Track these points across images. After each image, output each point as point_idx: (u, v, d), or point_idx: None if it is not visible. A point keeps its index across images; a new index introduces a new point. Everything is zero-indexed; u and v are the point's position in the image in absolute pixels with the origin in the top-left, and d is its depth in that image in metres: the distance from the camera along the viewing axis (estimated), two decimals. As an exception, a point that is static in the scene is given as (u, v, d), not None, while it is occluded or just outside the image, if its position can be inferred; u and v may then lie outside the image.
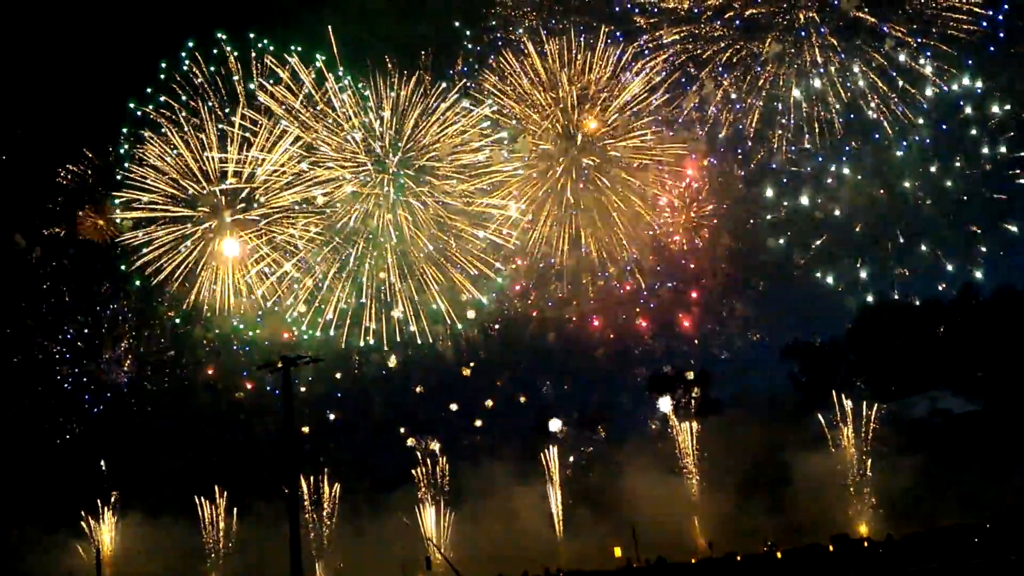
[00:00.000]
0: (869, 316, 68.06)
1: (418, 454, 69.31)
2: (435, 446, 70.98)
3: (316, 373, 66.96)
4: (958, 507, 59.46)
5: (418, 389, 70.52)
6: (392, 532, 67.99)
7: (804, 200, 63.36)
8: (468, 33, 65.14)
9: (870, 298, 67.40)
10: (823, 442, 64.45)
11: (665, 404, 70.91)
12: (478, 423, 73.46)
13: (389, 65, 61.74)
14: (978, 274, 64.79)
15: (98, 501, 67.44)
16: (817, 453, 64.05)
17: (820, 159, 60.12)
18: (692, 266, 67.24)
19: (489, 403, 71.91)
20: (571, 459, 70.93)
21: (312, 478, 68.46)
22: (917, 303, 67.20)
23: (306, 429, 69.13)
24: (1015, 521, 56.22)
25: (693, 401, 71.11)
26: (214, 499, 67.37)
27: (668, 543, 64.44)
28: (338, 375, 69.00)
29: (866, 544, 61.13)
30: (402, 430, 72.05)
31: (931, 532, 59.05)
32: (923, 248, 64.24)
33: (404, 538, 67.06)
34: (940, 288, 66.44)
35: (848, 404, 64.23)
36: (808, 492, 62.80)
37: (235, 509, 67.94)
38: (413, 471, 68.78)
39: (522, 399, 72.76)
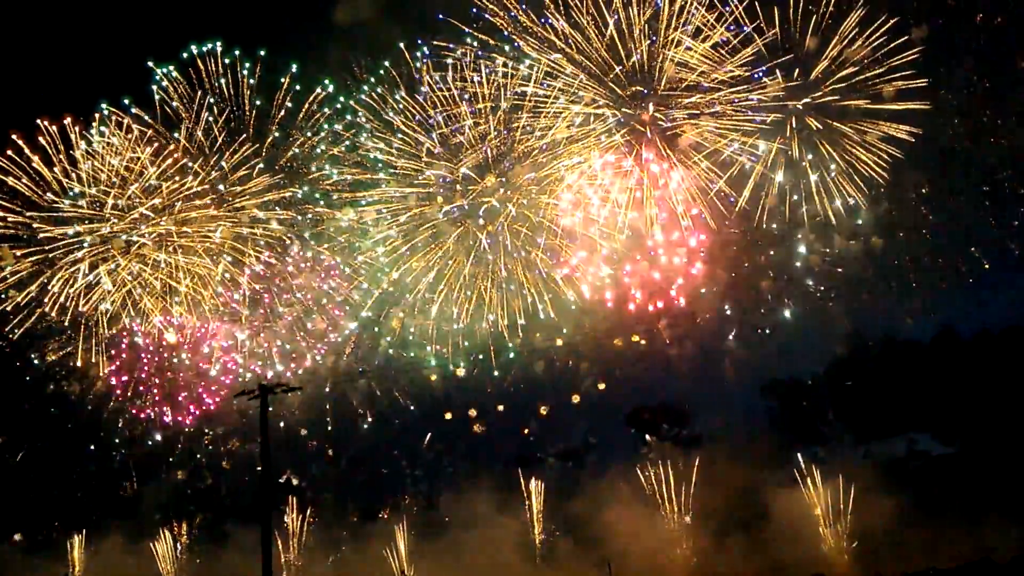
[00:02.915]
0: (848, 356, 68.41)
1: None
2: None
3: (300, 399, 67.11)
4: (936, 549, 59.45)
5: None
6: (371, 563, 67.87)
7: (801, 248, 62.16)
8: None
9: (849, 337, 67.75)
10: (801, 480, 64.48)
11: (646, 439, 71.18)
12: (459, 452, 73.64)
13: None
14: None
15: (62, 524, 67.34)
16: (795, 491, 63.96)
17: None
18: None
19: (477, 427, 71.33)
20: (551, 491, 70.55)
21: (292, 506, 68.43)
22: (895, 344, 67.50)
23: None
24: (991, 565, 56.37)
25: (673, 436, 71.15)
26: (190, 525, 67.60)
27: (646, 579, 64.62)
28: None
29: (842, 585, 61.17)
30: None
31: (908, 574, 59.16)
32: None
33: (382, 569, 66.98)
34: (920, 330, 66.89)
35: (825, 444, 64.66)
36: (786, 530, 62.63)
37: (212, 536, 68.18)
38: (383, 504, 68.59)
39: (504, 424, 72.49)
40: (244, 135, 60.22)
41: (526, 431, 72.36)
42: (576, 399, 69.40)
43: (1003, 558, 56.66)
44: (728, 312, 66.16)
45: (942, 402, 66.33)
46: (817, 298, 64.01)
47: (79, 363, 61.46)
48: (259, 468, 61.24)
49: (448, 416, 70.13)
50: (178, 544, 67.22)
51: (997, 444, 63.78)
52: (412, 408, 69.93)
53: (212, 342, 62.89)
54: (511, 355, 65.20)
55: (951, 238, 61.11)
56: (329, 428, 69.62)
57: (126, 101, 60.32)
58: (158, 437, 65.41)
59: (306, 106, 60.55)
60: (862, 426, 67.87)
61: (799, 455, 64.65)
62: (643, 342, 66.02)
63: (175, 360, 63.65)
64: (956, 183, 59.89)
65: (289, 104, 61.19)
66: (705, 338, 66.87)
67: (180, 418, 65.03)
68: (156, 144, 59.28)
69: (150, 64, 59.90)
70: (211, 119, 59.70)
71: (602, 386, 69.14)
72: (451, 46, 57.94)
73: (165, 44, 61.97)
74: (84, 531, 67.36)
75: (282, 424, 67.26)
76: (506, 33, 57.19)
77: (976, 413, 64.94)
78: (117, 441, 66.67)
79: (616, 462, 70.30)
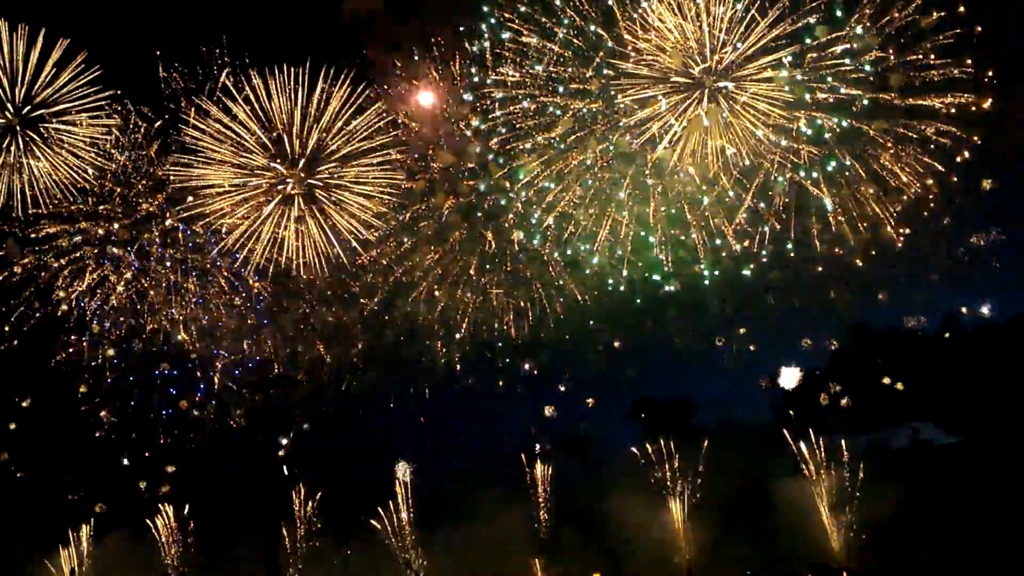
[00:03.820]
0: (851, 346, 68.57)
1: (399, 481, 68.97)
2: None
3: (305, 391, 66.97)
4: (938, 539, 59.92)
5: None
6: (377, 553, 68.14)
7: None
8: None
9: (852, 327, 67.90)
10: (804, 471, 64.87)
11: (651, 429, 71.24)
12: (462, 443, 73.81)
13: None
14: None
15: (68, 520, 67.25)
16: (798, 482, 64.50)
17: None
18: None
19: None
20: (554, 480, 70.74)
21: (301, 498, 68.59)
22: (899, 334, 67.63)
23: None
24: (993, 554, 56.86)
25: (678, 427, 71.25)
26: (196, 518, 67.67)
27: (650, 569, 65.00)
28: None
29: (845, 574, 61.59)
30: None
31: (911, 563, 59.64)
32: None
33: (385, 562, 67.30)
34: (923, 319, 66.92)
35: (828, 433, 64.84)
36: (788, 520, 63.20)
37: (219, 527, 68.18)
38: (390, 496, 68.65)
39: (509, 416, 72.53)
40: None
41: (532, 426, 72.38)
42: (581, 390, 69.81)
43: (1005, 547, 57.18)
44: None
45: (945, 392, 66.67)
46: (822, 288, 64.04)
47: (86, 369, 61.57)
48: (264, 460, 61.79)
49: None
50: (186, 537, 67.33)
51: (1000, 433, 64.15)
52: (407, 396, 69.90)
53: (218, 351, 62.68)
54: (518, 345, 65.25)
55: (956, 228, 60.96)
56: (334, 420, 69.71)
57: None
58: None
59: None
60: (865, 416, 68.11)
61: (802, 445, 65.11)
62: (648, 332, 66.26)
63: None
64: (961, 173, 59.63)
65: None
66: (710, 328, 66.92)
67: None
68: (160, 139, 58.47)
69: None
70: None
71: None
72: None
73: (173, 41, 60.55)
74: (91, 525, 67.48)
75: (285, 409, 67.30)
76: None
77: (979, 403, 65.33)
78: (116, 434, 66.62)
79: (621, 452, 70.54)
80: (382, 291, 61.98)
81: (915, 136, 53.17)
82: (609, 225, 57.18)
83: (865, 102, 51.64)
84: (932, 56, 51.85)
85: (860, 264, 59.79)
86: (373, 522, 68.31)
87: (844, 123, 52.43)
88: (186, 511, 68.02)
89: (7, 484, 67.01)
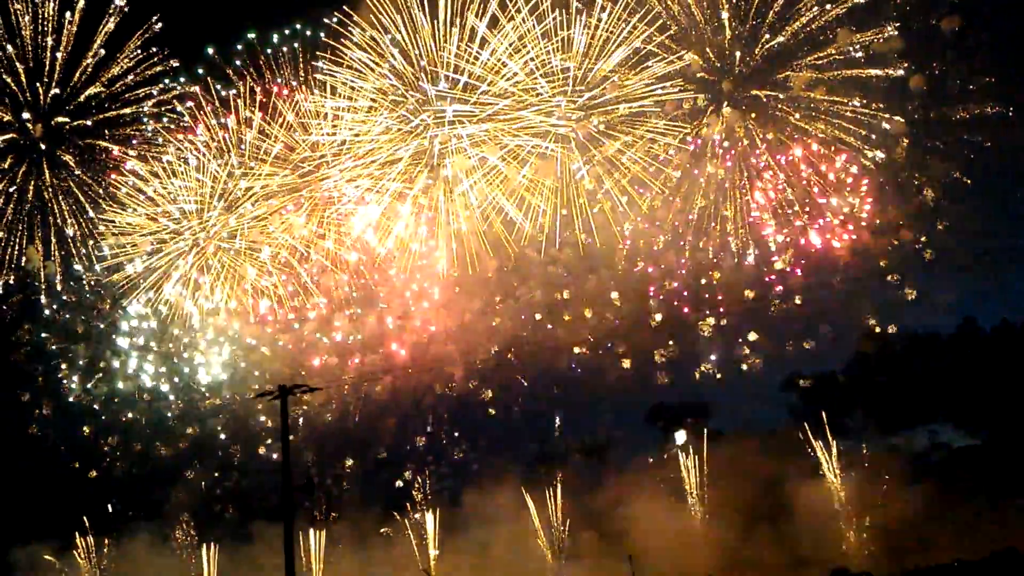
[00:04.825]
0: (869, 349, 68.41)
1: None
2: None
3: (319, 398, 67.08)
4: (959, 542, 59.71)
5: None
6: (395, 559, 68.15)
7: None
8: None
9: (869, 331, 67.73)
10: (822, 475, 64.73)
11: (679, 435, 70.98)
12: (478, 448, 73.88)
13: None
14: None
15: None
16: (816, 486, 64.30)
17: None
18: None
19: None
20: (574, 485, 70.72)
21: (321, 506, 68.63)
22: (916, 337, 67.60)
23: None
24: (1015, 558, 56.58)
25: (695, 431, 71.14)
26: (216, 525, 67.82)
27: (669, 574, 64.89)
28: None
29: (865, 579, 61.43)
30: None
31: (932, 568, 59.40)
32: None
33: (406, 565, 67.31)
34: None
35: (847, 437, 64.79)
36: (807, 525, 62.97)
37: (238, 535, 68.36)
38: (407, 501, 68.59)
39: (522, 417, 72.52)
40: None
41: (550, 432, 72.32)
42: (599, 394, 69.79)
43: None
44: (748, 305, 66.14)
45: (963, 394, 66.44)
46: (839, 291, 64.03)
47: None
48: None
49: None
50: (207, 544, 67.46)
51: (1018, 435, 63.95)
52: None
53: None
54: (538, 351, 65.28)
55: (973, 231, 60.97)
56: (352, 427, 69.82)
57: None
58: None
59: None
60: (883, 419, 67.96)
61: (820, 449, 65.00)
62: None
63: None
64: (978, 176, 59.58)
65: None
66: (726, 332, 66.87)
67: None
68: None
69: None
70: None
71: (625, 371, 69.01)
72: None
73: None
74: (114, 533, 67.72)
75: (301, 420, 67.40)
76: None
77: (999, 405, 65.09)
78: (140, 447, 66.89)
79: (638, 457, 70.74)
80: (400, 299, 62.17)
81: (939, 145, 53.29)
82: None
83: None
84: (954, 67, 51.88)
85: (879, 267, 59.81)
86: (392, 529, 68.63)
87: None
88: (204, 519, 68.30)
89: (25, 489, 67.33)
